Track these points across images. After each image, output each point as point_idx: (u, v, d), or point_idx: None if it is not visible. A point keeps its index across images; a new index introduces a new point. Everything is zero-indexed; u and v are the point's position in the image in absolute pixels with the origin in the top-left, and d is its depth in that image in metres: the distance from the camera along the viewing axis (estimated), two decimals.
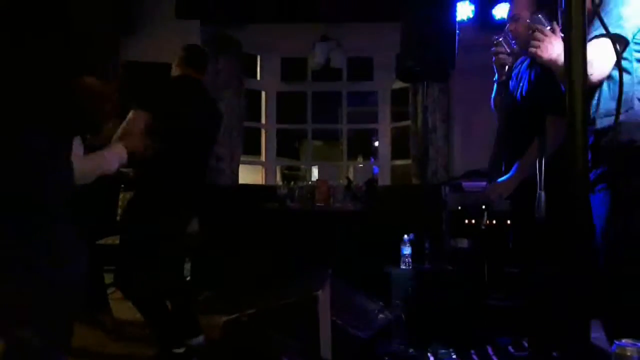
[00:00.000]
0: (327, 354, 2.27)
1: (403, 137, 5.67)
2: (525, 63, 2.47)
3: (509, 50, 2.47)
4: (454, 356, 2.65)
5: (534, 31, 1.90)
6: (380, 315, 2.80)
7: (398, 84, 5.51)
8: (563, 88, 1.21)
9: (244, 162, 5.65)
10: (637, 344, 1.19)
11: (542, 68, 2.25)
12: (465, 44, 3.84)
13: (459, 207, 3.85)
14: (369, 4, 4.93)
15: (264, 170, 5.90)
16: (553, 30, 1.88)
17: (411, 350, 2.76)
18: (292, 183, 4.90)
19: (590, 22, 1.74)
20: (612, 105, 1.75)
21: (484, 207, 3.23)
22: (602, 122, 1.80)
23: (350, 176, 5.21)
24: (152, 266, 2.76)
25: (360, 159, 10.42)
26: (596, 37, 1.73)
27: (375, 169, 5.96)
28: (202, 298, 4.30)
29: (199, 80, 2.98)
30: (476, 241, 3.74)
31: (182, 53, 2.97)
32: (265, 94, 5.83)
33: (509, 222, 2.95)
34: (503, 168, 2.49)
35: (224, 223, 4.57)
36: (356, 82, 6.03)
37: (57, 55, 1.02)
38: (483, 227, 3.38)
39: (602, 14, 1.70)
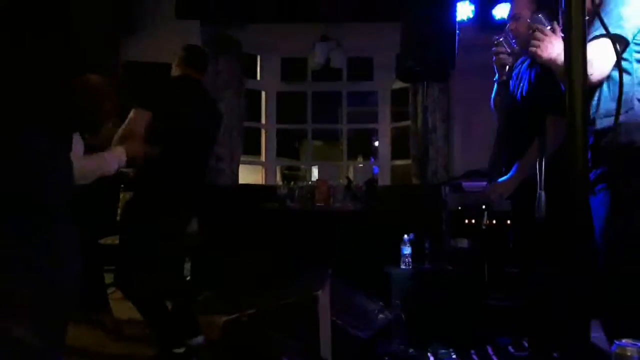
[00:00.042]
0: (327, 354, 2.27)
1: (403, 137, 5.67)
2: (526, 63, 2.47)
3: (509, 50, 2.47)
4: (454, 356, 2.65)
5: (534, 31, 1.90)
6: (380, 315, 2.80)
7: (398, 84, 5.51)
8: (563, 88, 1.21)
9: (244, 162, 5.66)
10: (637, 343, 1.19)
11: (542, 68, 2.25)
12: (465, 44, 3.84)
13: (459, 207, 3.85)
14: (369, 4, 4.93)
15: (264, 170, 5.90)
16: (553, 30, 1.88)
17: (411, 350, 2.76)
18: (292, 183, 4.90)
19: (591, 22, 1.74)
20: (612, 105, 1.75)
21: (484, 207, 3.23)
22: (602, 123, 1.80)
23: (350, 176, 5.21)
24: (152, 266, 2.76)
25: (360, 159, 10.42)
26: (596, 37, 1.73)
27: (375, 169, 5.96)
28: (202, 298, 4.30)
29: (199, 81, 2.98)
30: (476, 241, 3.74)
31: (182, 53, 2.97)
32: (265, 94, 5.83)
33: (509, 222, 2.95)
34: (503, 168, 2.49)
35: (224, 223, 4.57)
36: (356, 82, 6.03)
37: (57, 55, 1.02)
38: (483, 227, 3.38)
39: (602, 14, 1.70)
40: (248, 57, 5.58)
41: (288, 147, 10.65)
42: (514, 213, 2.62)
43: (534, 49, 1.90)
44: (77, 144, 2.12)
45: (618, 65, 1.69)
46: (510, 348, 2.83)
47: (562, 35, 1.70)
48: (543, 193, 2.00)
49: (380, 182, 5.45)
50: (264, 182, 5.83)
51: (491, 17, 4.59)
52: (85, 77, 1.06)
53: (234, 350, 2.37)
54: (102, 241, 3.44)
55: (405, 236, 3.60)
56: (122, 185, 3.59)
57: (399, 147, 5.91)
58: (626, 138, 1.75)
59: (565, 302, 1.19)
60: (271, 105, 5.82)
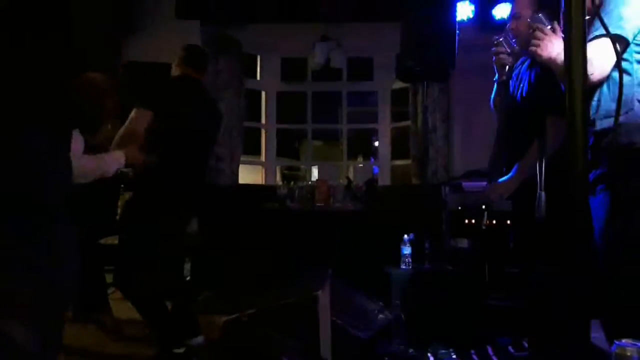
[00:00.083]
0: (327, 354, 2.27)
1: (403, 137, 5.67)
2: (526, 64, 2.47)
3: (509, 50, 2.47)
4: (454, 356, 2.65)
5: (534, 30, 1.90)
6: (380, 316, 2.80)
7: (398, 84, 5.51)
8: (563, 88, 1.21)
9: (244, 162, 5.66)
10: (637, 344, 1.19)
11: (542, 68, 2.25)
12: (465, 44, 3.84)
13: (459, 207, 3.85)
14: (369, 4, 4.93)
15: (264, 170, 5.90)
16: (554, 30, 1.88)
17: (411, 350, 2.76)
18: (292, 183, 4.90)
19: (591, 22, 1.74)
20: (612, 106, 1.75)
21: (484, 207, 3.23)
22: (602, 124, 1.80)
23: (350, 176, 5.20)
24: (152, 266, 2.76)
25: (360, 159, 10.43)
26: (596, 37, 1.73)
27: (375, 169, 5.96)
28: (202, 298, 4.30)
29: (199, 81, 2.98)
30: (476, 241, 3.74)
31: (182, 53, 2.97)
32: (265, 94, 5.83)
33: (509, 222, 2.95)
34: (504, 168, 2.49)
35: (223, 223, 4.57)
36: (356, 82, 6.03)
37: (57, 55, 1.02)
38: (483, 227, 3.38)
39: (602, 15, 1.71)
40: (248, 57, 5.58)
41: (288, 147, 10.65)
42: (514, 213, 2.62)
43: (534, 48, 1.90)
44: (77, 140, 2.13)
45: (618, 66, 1.69)
46: (510, 348, 2.82)
47: (563, 35, 1.70)
48: (543, 193, 2.00)
49: (380, 182, 5.45)
50: (264, 182, 5.83)
51: (491, 17, 4.59)
52: (85, 76, 1.06)
53: (234, 350, 2.37)
54: (102, 241, 3.44)
55: (405, 236, 3.60)
56: (122, 185, 3.59)
57: (399, 147, 5.91)
58: (626, 139, 1.75)
59: (565, 302, 1.19)
60: (271, 105, 5.82)
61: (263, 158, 5.94)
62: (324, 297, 2.31)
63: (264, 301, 2.47)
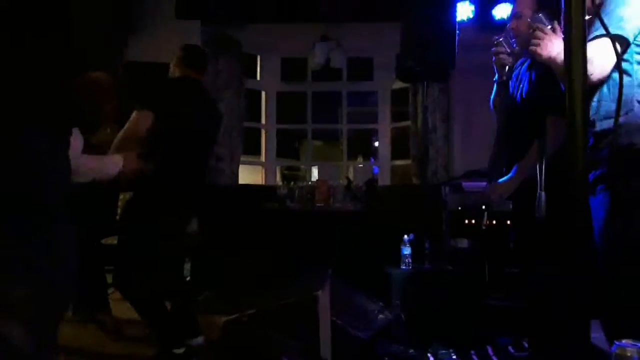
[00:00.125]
0: (327, 354, 2.27)
1: (403, 137, 5.67)
2: (526, 64, 2.47)
3: (509, 50, 2.47)
4: (454, 356, 2.65)
5: (534, 30, 1.91)
6: (380, 316, 2.80)
7: (398, 84, 5.51)
8: (563, 88, 1.21)
9: (244, 162, 5.65)
10: (637, 344, 1.19)
11: (542, 69, 2.26)
12: (465, 44, 3.84)
13: (459, 207, 3.85)
14: (369, 4, 4.93)
15: (263, 171, 5.90)
16: (554, 30, 1.88)
17: (411, 350, 2.75)
18: (292, 183, 4.90)
19: (591, 22, 1.74)
20: (612, 107, 1.75)
21: (484, 207, 3.23)
22: (602, 124, 1.80)
23: (350, 176, 5.21)
24: (151, 266, 2.76)
25: (360, 159, 10.42)
26: (597, 37, 1.73)
27: (375, 169, 5.96)
28: (202, 298, 4.30)
29: (199, 81, 2.98)
30: (476, 241, 3.74)
31: (180, 53, 2.96)
32: (265, 94, 5.83)
33: (509, 222, 2.95)
34: (504, 169, 2.49)
35: (224, 223, 4.57)
36: (356, 82, 6.03)
37: (58, 55, 1.02)
38: (483, 227, 3.38)
39: (603, 15, 1.71)
40: (248, 57, 5.58)
41: (288, 147, 10.65)
42: (514, 213, 2.62)
43: (534, 47, 1.90)
44: (77, 139, 2.13)
45: (618, 67, 1.69)
46: (510, 348, 2.82)
47: (563, 35, 1.70)
48: (543, 193, 2.00)
49: (380, 182, 5.45)
50: (263, 182, 5.83)
51: (491, 17, 4.59)
52: (87, 75, 1.06)
53: (234, 350, 2.37)
54: (102, 241, 3.44)
55: (405, 236, 3.60)
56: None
57: (399, 147, 5.91)
58: (626, 139, 1.75)
59: (565, 302, 1.19)
60: (271, 105, 5.82)
61: (263, 158, 5.94)
62: (324, 297, 2.31)
63: (264, 301, 2.47)
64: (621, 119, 1.69)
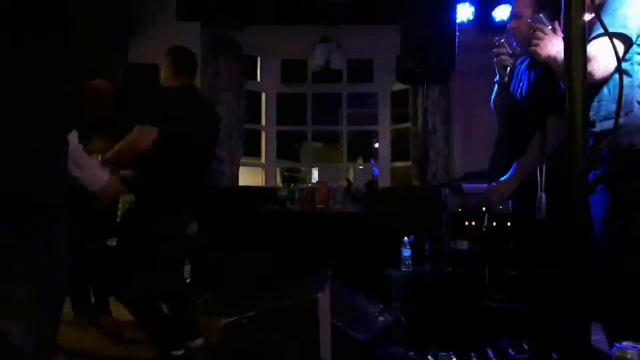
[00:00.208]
0: (327, 356, 2.27)
1: (403, 139, 5.67)
2: (525, 64, 2.47)
3: (510, 52, 2.47)
4: (454, 359, 2.64)
5: (534, 30, 1.91)
6: (380, 318, 2.80)
7: (398, 86, 5.51)
8: (563, 86, 1.21)
9: (244, 164, 5.65)
10: (638, 346, 1.18)
11: (542, 68, 2.26)
12: (465, 45, 3.84)
13: (459, 209, 3.85)
14: (369, 5, 4.93)
15: (264, 172, 5.90)
16: (554, 30, 1.88)
17: (411, 353, 2.75)
18: (292, 185, 4.90)
19: (594, 21, 1.74)
20: (612, 107, 1.75)
21: (484, 209, 3.23)
22: (602, 125, 1.81)
23: (350, 178, 5.21)
24: (150, 268, 2.76)
25: (360, 161, 10.42)
26: (600, 35, 1.73)
27: (375, 170, 5.96)
28: (202, 300, 4.30)
29: (196, 88, 2.99)
30: (476, 243, 3.73)
31: (169, 58, 2.92)
32: (266, 96, 5.83)
33: (509, 224, 2.95)
34: (504, 169, 2.49)
35: (224, 225, 4.57)
36: (356, 84, 6.03)
37: (57, 55, 1.02)
38: (484, 230, 3.38)
39: (607, 14, 1.71)
40: (248, 58, 5.58)
41: (288, 148, 10.64)
42: (514, 214, 2.61)
43: (533, 47, 1.91)
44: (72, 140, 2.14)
45: (618, 67, 1.69)
46: (510, 350, 2.82)
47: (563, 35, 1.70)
48: (544, 195, 2.00)
49: (380, 184, 5.44)
50: (264, 184, 5.83)
51: (491, 18, 4.59)
52: (89, 82, 1.06)
53: (234, 352, 2.37)
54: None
55: (406, 238, 3.60)
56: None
57: (399, 149, 5.91)
58: (626, 140, 1.75)
59: (566, 304, 1.19)
60: (271, 107, 5.82)
61: (263, 160, 5.94)
62: (324, 299, 2.31)
63: (264, 303, 2.47)
64: (621, 120, 1.69)
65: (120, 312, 3.46)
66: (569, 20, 1.11)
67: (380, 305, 2.96)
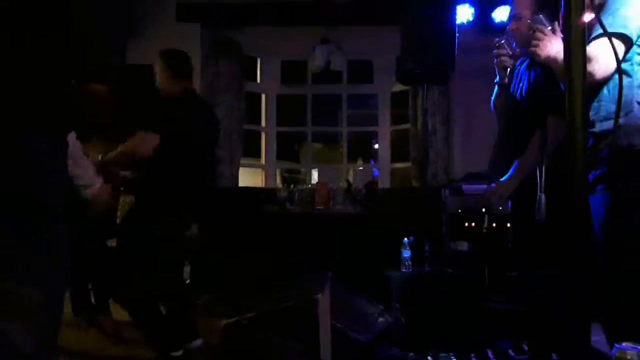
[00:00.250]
0: (327, 357, 2.26)
1: (403, 140, 5.67)
2: (525, 64, 2.47)
3: (510, 53, 2.47)
4: None
5: (534, 31, 1.91)
6: (380, 319, 2.80)
7: (398, 87, 5.51)
8: (563, 87, 1.21)
9: (244, 165, 5.65)
10: (638, 347, 1.18)
11: (542, 69, 2.26)
12: (465, 46, 3.84)
13: (459, 210, 3.85)
14: (369, 7, 4.93)
15: (263, 173, 5.90)
16: (553, 31, 1.89)
17: (411, 353, 2.75)
18: (292, 186, 4.89)
19: (594, 21, 1.75)
20: (612, 108, 1.75)
21: (484, 210, 3.23)
22: (601, 125, 1.81)
23: (350, 179, 5.22)
24: (150, 269, 2.76)
25: (360, 162, 10.41)
26: (601, 35, 1.73)
27: (375, 171, 5.95)
28: (202, 301, 4.29)
29: (194, 91, 3.00)
30: (476, 244, 3.73)
31: (166, 63, 2.91)
32: (265, 97, 5.83)
33: (509, 225, 2.95)
34: (503, 170, 2.49)
35: (224, 226, 4.57)
36: (356, 85, 6.03)
37: (57, 56, 1.02)
38: (484, 231, 3.37)
39: (607, 14, 1.72)
40: (248, 59, 5.58)
41: (288, 149, 10.65)
42: (514, 215, 2.61)
43: (533, 48, 1.91)
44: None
45: (618, 68, 1.69)
46: (510, 351, 2.82)
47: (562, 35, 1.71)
48: (543, 196, 2.00)
49: (380, 185, 5.44)
50: (263, 185, 5.83)
51: (491, 19, 4.60)
52: (90, 86, 1.06)
53: (234, 353, 2.36)
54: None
55: (405, 239, 3.59)
56: (122, 188, 3.58)
57: (398, 150, 5.91)
58: (625, 141, 1.75)
59: (566, 304, 1.19)
60: (271, 108, 5.82)
61: (263, 161, 5.94)
62: (324, 300, 2.31)
63: (264, 304, 2.46)
64: (621, 120, 1.69)
65: (120, 312, 3.46)
66: (569, 20, 1.11)
67: (380, 306, 2.96)
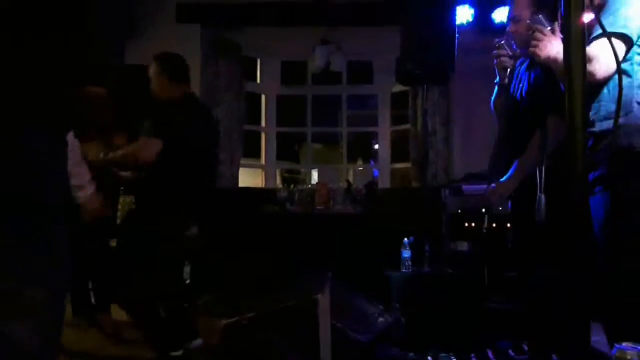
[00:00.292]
0: (326, 357, 2.26)
1: (403, 140, 5.67)
2: (525, 64, 2.47)
3: (510, 53, 2.47)
4: None
5: (533, 31, 1.91)
6: (380, 319, 2.80)
7: (398, 87, 5.51)
8: (562, 87, 1.21)
9: (244, 165, 5.65)
10: (638, 347, 1.18)
11: (542, 69, 2.26)
12: (465, 47, 3.85)
13: (459, 210, 3.85)
14: (369, 7, 4.94)
15: (263, 173, 5.90)
16: (553, 31, 1.89)
17: (411, 354, 2.75)
18: (292, 186, 4.89)
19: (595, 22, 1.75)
20: (612, 108, 1.75)
21: (484, 210, 3.23)
22: (601, 125, 1.81)
23: (350, 179, 5.22)
24: (149, 269, 2.76)
25: (360, 162, 10.43)
26: (601, 35, 1.73)
27: (375, 172, 5.96)
28: (202, 301, 4.29)
29: (193, 95, 3.01)
30: (476, 244, 3.73)
31: (163, 67, 2.90)
32: (265, 97, 5.83)
33: (509, 225, 2.95)
34: (503, 170, 2.49)
35: (224, 226, 4.57)
36: (356, 86, 6.03)
37: (57, 56, 1.02)
38: (484, 231, 3.37)
39: (608, 14, 1.72)
40: (248, 60, 5.58)
41: (288, 150, 10.64)
42: (514, 215, 2.61)
43: (532, 48, 1.91)
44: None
45: (618, 68, 1.70)
46: (510, 351, 2.82)
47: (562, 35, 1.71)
48: (543, 196, 2.00)
49: (380, 185, 5.44)
50: (263, 185, 5.83)
51: (491, 20, 4.59)
52: (89, 88, 1.07)
53: (234, 353, 2.36)
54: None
55: (405, 239, 3.60)
56: (122, 188, 3.59)
57: (398, 150, 5.91)
58: (625, 141, 1.75)
59: (565, 304, 1.19)
60: (271, 108, 5.83)
61: (263, 161, 5.94)
62: (324, 300, 2.31)
63: (264, 304, 2.46)
64: (621, 120, 1.69)
65: (120, 312, 3.47)
66: (569, 20, 1.12)
67: (380, 306, 2.96)
